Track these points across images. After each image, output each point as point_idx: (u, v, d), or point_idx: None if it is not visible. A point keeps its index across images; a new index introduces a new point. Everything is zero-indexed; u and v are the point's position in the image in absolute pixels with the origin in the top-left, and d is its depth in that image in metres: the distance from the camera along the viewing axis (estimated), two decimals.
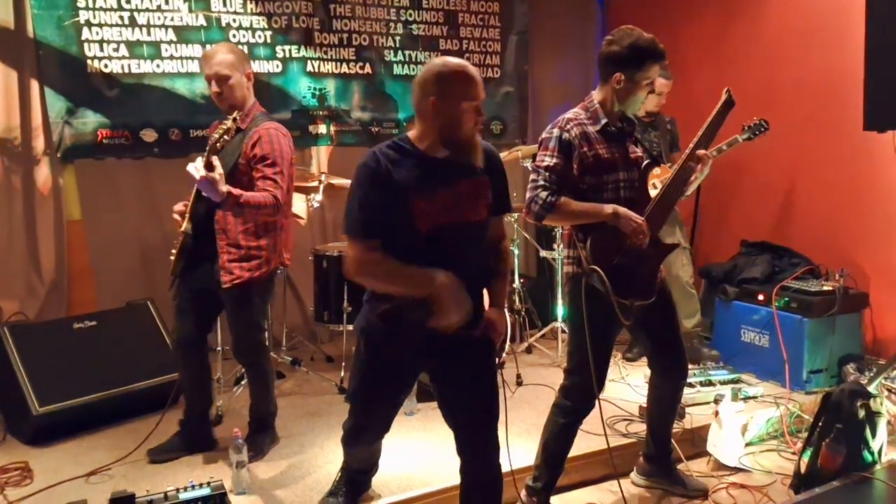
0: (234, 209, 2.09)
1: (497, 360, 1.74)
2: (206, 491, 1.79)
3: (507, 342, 2.09)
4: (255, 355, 2.38)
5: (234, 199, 2.03)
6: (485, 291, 1.74)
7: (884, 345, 3.01)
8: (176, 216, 2.26)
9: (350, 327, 3.13)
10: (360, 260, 1.58)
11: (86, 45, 3.28)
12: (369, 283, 1.66)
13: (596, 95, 2.00)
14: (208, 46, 3.49)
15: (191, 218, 2.20)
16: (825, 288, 2.95)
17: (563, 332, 3.38)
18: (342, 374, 3.09)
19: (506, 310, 1.80)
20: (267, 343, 2.51)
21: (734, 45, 3.64)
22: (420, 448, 2.46)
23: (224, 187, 2.00)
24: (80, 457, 2.42)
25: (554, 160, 1.92)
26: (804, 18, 3.28)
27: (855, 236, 3.12)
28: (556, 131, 1.94)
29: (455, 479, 2.06)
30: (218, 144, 2.07)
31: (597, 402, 1.97)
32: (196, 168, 1.99)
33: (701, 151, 2.03)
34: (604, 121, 1.96)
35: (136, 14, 3.36)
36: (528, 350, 3.51)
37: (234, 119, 2.11)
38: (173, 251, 2.26)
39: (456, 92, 1.54)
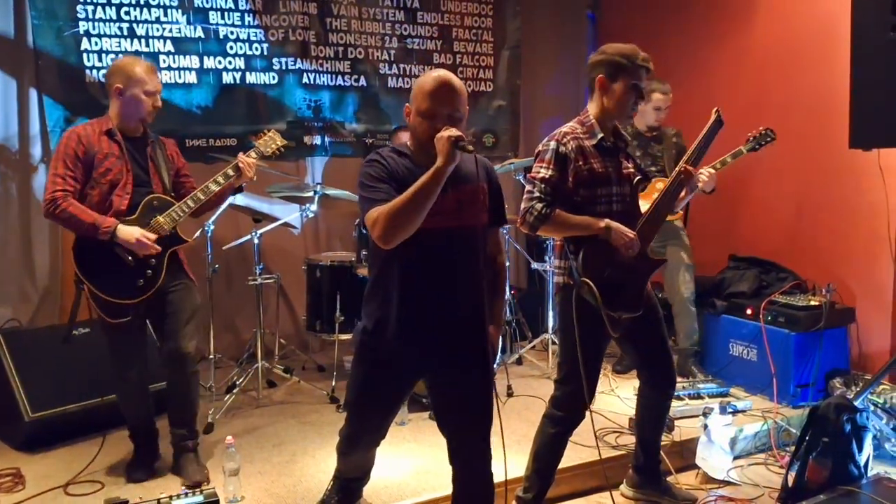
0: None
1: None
2: (198, 498, 1.79)
3: (498, 356, 2.11)
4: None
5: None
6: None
7: (869, 359, 3.04)
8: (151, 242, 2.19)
9: (342, 337, 3.14)
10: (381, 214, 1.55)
11: (85, 55, 3.31)
12: (396, 222, 1.55)
13: (591, 110, 2.04)
14: (206, 59, 3.57)
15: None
16: (812, 303, 2.99)
17: (553, 343, 3.40)
18: (333, 383, 3.09)
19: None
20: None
21: (723, 63, 3.71)
22: (411, 457, 2.47)
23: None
24: (71, 463, 2.41)
25: (549, 172, 1.95)
26: (791, 37, 3.35)
27: (841, 252, 3.16)
28: (552, 144, 1.97)
29: (445, 488, 2.07)
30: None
31: (588, 413, 1.99)
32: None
33: (689, 168, 2.08)
34: (599, 135, 2.00)
35: (134, 25, 3.40)
36: (519, 361, 3.53)
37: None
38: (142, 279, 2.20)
39: (422, 101, 1.60)
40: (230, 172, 2.29)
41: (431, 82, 1.60)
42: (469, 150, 1.55)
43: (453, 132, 1.53)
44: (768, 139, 2.79)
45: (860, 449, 2.13)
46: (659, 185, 2.21)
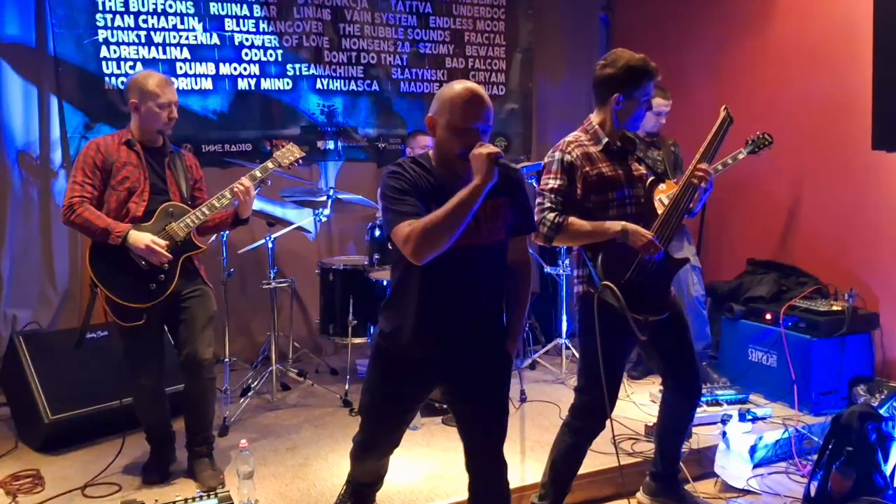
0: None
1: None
2: (213, 502, 1.81)
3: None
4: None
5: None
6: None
7: (894, 367, 2.97)
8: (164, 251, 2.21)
9: (355, 340, 3.15)
10: (414, 230, 1.51)
11: (104, 62, 3.38)
12: (431, 239, 1.51)
13: (594, 118, 2.03)
14: (222, 65, 3.61)
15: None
16: (834, 308, 2.92)
17: (567, 348, 3.38)
18: (346, 386, 3.10)
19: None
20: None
21: (738, 64, 3.66)
22: (424, 463, 2.46)
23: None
24: (89, 465, 2.44)
25: (558, 182, 1.94)
26: (810, 36, 3.29)
27: (863, 256, 3.09)
28: (557, 154, 1.97)
29: (457, 494, 2.06)
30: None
31: (607, 421, 1.95)
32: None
33: (702, 166, 2.04)
34: (605, 140, 1.99)
35: (152, 33, 3.46)
36: (532, 366, 3.51)
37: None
38: (154, 282, 2.22)
39: (451, 115, 1.56)
40: (232, 191, 2.33)
41: (461, 94, 1.55)
42: (512, 169, 1.54)
43: (492, 149, 1.50)
44: (766, 143, 2.82)
45: (885, 459, 2.08)
46: (662, 185, 2.19)
